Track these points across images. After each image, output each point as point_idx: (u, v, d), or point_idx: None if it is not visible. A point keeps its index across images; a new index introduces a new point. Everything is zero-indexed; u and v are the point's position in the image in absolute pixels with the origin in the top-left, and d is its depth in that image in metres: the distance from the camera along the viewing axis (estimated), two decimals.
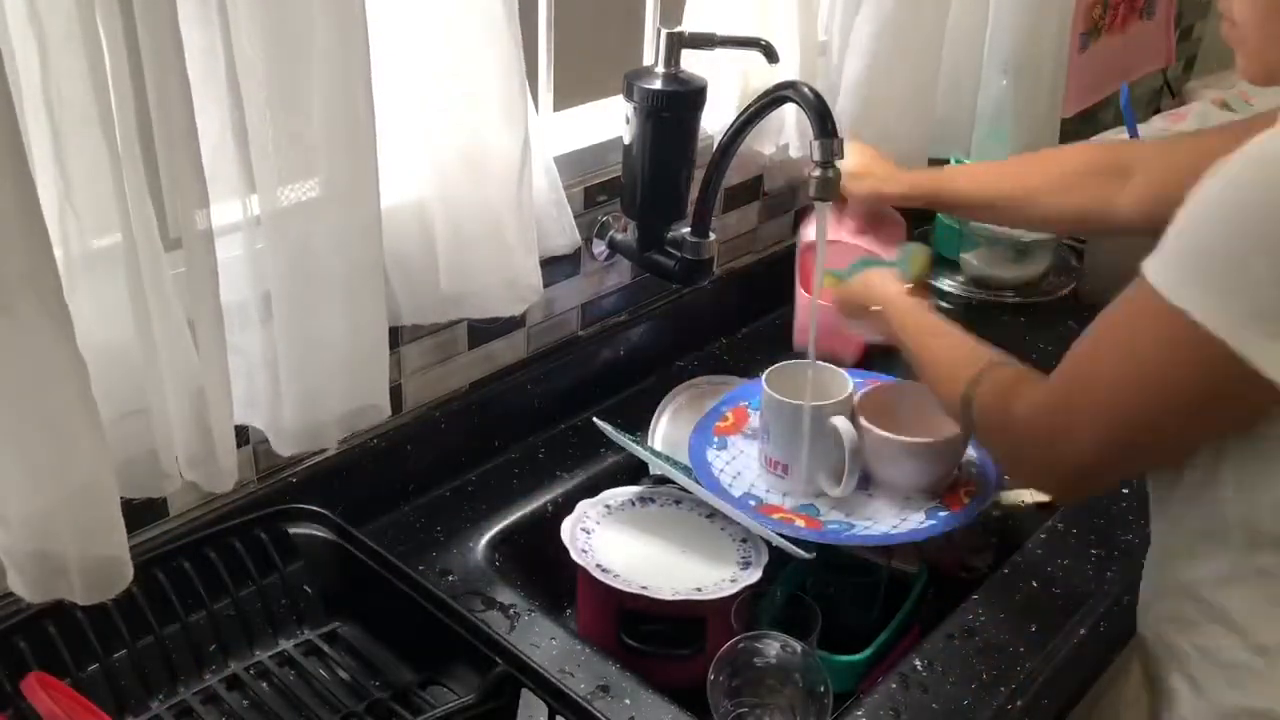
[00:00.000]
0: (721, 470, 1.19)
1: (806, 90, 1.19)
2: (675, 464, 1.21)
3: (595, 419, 1.26)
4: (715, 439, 1.25)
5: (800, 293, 1.54)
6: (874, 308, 1.17)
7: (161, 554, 0.99)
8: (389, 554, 1.03)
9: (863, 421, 1.16)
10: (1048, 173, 1.27)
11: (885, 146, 1.55)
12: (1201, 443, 0.85)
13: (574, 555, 1.10)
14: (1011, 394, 0.93)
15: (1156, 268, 0.79)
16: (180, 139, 0.82)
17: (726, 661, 0.98)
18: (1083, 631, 1.10)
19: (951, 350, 1.07)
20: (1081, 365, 0.88)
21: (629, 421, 1.37)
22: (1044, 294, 1.70)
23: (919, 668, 1.06)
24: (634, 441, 1.23)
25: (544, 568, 1.18)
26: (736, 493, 1.16)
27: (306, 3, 0.86)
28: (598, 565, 1.09)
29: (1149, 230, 0.82)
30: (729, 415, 1.28)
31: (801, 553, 1.09)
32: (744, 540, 1.14)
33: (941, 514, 1.14)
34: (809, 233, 1.57)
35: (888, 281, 1.20)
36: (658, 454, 1.27)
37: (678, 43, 1.25)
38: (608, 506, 1.18)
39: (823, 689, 0.96)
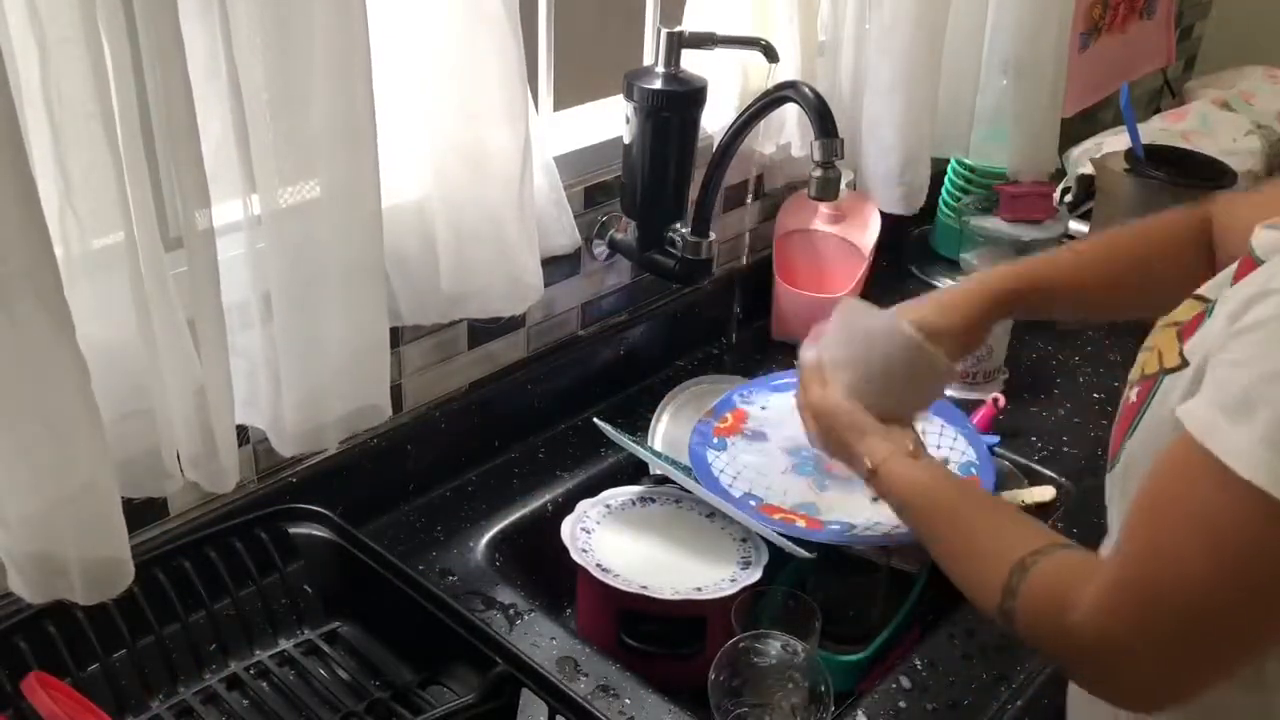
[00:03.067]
0: (721, 471, 1.19)
1: (807, 90, 1.20)
2: (675, 464, 1.21)
3: (595, 419, 1.26)
4: (715, 440, 1.25)
5: (779, 283, 1.54)
6: (863, 475, 0.97)
7: (162, 554, 0.99)
8: (389, 554, 1.03)
9: None
10: (1153, 243, 1.03)
11: (884, 148, 1.56)
12: None
13: (574, 555, 1.10)
14: (1061, 596, 0.77)
15: (1238, 452, 0.66)
16: (181, 138, 0.82)
17: (727, 661, 0.98)
18: None
19: (976, 538, 0.88)
20: (1146, 546, 0.73)
21: (629, 421, 1.37)
22: None
23: (919, 668, 1.06)
24: (634, 441, 1.23)
25: (544, 568, 1.18)
26: (737, 493, 1.16)
27: (307, 3, 0.86)
28: (598, 565, 1.09)
29: None
30: (728, 416, 1.28)
31: (802, 552, 1.09)
32: (744, 540, 1.14)
33: None
34: (787, 221, 1.58)
35: (875, 438, 0.97)
36: (658, 454, 1.27)
37: (678, 43, 1.25)
38: (608, 506, 1.18)
39: (823, 689, 0.96)
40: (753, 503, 1.15)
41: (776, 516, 1.13)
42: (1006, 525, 0.87)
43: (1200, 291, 0.84)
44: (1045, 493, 1.31)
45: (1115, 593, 0.74)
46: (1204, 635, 0.71)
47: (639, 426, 1.37)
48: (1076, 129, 1.95)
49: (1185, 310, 0.84)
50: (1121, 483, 0.85)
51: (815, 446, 1.05)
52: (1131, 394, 0.84)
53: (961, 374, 1.13)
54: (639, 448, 1.23)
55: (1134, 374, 0.85)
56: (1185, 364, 0.77)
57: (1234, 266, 0.81)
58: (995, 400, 1.42)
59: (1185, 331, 0.80)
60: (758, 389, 1.34)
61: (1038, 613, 0.79)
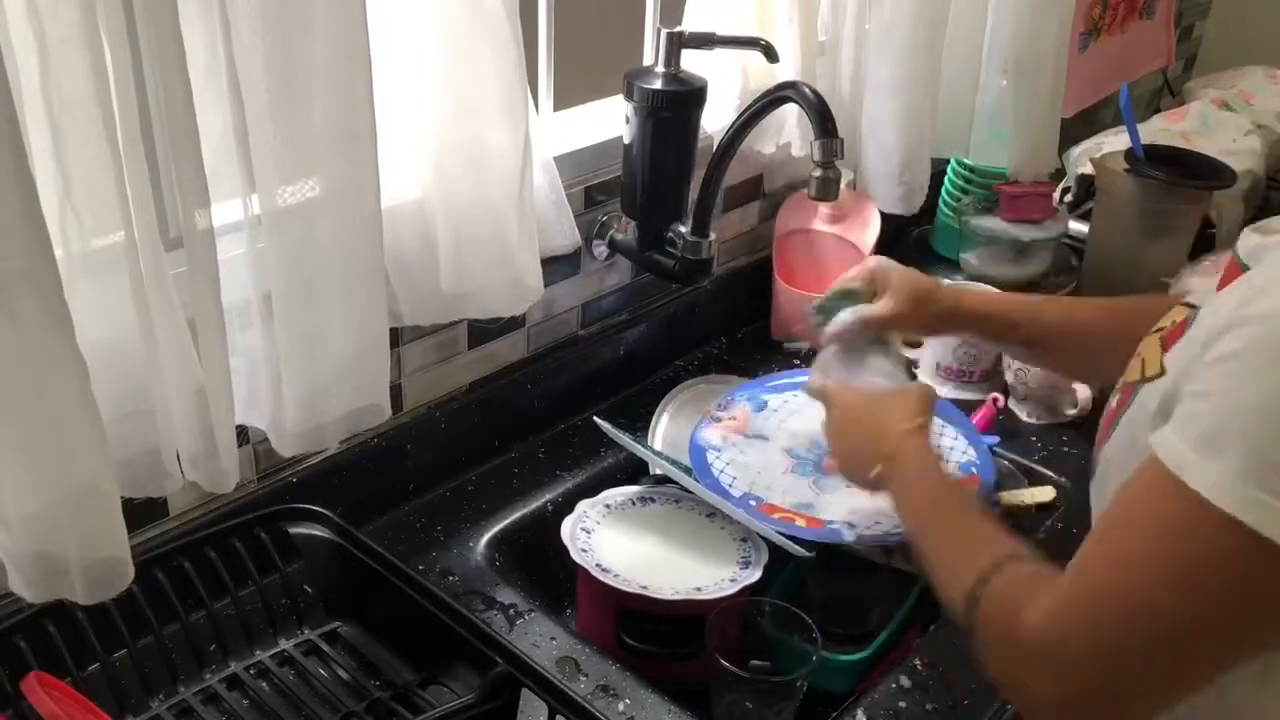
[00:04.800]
0: (721, 471, 1.19)
1: (807, 90, 1.20)
2: (675, 464, 1.21)
3: (595, 418, 1.26)
4: (715, 439, 1.25)
5: (779, 283, 1.55)
6: (873, 470, 0.99)
7: (162, 554, 0.99)
8: (389, 554, 1.03)
9: None
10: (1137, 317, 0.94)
11: (884, 148, 1.56)
12: (1247, 658, 0.73)
13: (574, 555, 1.10)
14: (1020, 600, 0.77)
15: (1210, 483, 0.67)
16: (181, 138, 0.82)
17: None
18: None
19: (956, 540, 0.89)
20: (1104, 558, 0.74)
21: (629, 421, 1.37)
22: (1044, 293, 1.70)
23: (919, 668, 1.06)
24: (634, 441, 1.23)
25: (544, 567, 1.18)
26: (737, 493, 1.16)
27: (307, 3, 0.86)
28: (597, 565, 1.09)
29: None
30: (728, 416, 1.28)
31: (801, 551, 1.09)
32: (744, 540, 1.14)
33: None
34: (787, 221, 1.58)
35: (900, 424, 0.99)
36: (658, 453, 1.27)
37: (678, 43, 1.25)
38: (608, 506, 1.18)
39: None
40: (752, 502, 1.15)
41: (776, 516, 1.13)
42: (986, 531, 0.87)
43: (1189, 299, 0.84)
44: (1045, 493, 1.31)
45: (1067, 602, 0.74)
46: (1149, 660, 0.71)
47: (639, 426, 1.37)
48: (1076, 129, 1.95)
49: (1172, 316, 0.84)
50: (1099, 490, 0.85)
51: (827, 437, 1.09)
52: (1113, 400, 0.85)
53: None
54: (639, 446, 1.23)
55: (1119, 382, 0.85)
56: (1163, 372, 0.77)
57: (1220, 272, 0.81)
58: (995, 400, 1.42)
59: (1169, 338, 0.80)
60: (758, 389, 1.34)
61: (995, 613, 0.79)
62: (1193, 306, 0.82)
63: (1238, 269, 0.78)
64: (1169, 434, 0.71)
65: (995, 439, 1.35)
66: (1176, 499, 0.68)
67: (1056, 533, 1.23)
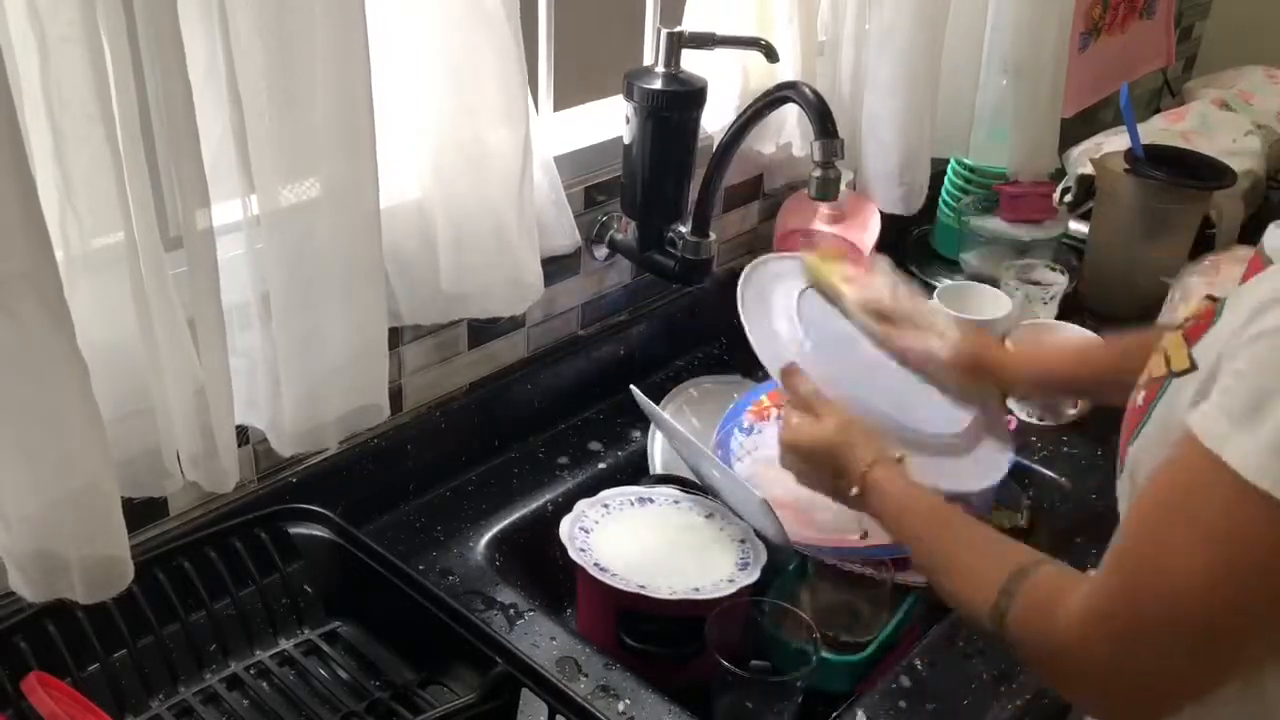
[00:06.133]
0: (740, 460, 1.19)
1: (807, 90, 1.20)
2: (694, 446, 1.18)
3: (631, 386, 1.22)
4: (745, 424, 1.23)
5: None
6: (851, 491, 0.99)
7: (162, 553, 0.99)
8: (389, 554, 1.03)
9: None
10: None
11: (884, 148, 1.56)
12: None
13: (572, 554, 1.09)
14: (1054, 600, 0.77)
15: (1245, 457, 0.66)
16: (181, 139, 0.82)
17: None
18: None
19: (971, 549, 0.88)
20: (1142, 552, 0.73)
21: (629, 420, 1.37)
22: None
23: (919, 668, 1.06)
24: (661, 413, 1.21)
25: (544, 567, 1.18)
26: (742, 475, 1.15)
27: (307, 3, 0.86)
28: (596, 564, 1.09)
29: None
30: (765, 399, 1.27)
31: (780, 539, 1.08)
32: (742, 541, 1.14)
33: None
34: (787, 221, 1.58)
35: (865, 448, 0.99)
36: (677, 432, 1.24)
37: (678, 43, 1.25)
38: (606, 506, 1.18)
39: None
40: (760, 492, 1.14)
41: (786, 513, 1.12)
42: (1001, 539, 0.88)
43: (1211, 292, 0.84)
44: (1015, 518, 1.30)
45: (1105, 600, 0.74)
46: (1191, 648, 0.70)
47: (640, 426, 1.37)
48: (1076, 129, 1.95)
49: (1193, 311, 0.83)
50: (1129, 488, 0.84)
51: (799, 482, 1.06)
52: (1138, 397, 0.84)
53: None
54: (665, 415, 1.20)
55: (1141, 378, 0.85)
56: (1193, 366, 0.76)
57: (1244, 266, 0.81)
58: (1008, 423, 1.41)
59: (1191, 334, 0.79)
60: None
61: (1030, 614, 0.78)
62: (1214, 299, 0.81)
63: (1261, 264, 0.77)
64: (1206, 408, 0.69)
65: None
66: (1210, 476, 0.67)
67: (1057, 532, 1.23)
